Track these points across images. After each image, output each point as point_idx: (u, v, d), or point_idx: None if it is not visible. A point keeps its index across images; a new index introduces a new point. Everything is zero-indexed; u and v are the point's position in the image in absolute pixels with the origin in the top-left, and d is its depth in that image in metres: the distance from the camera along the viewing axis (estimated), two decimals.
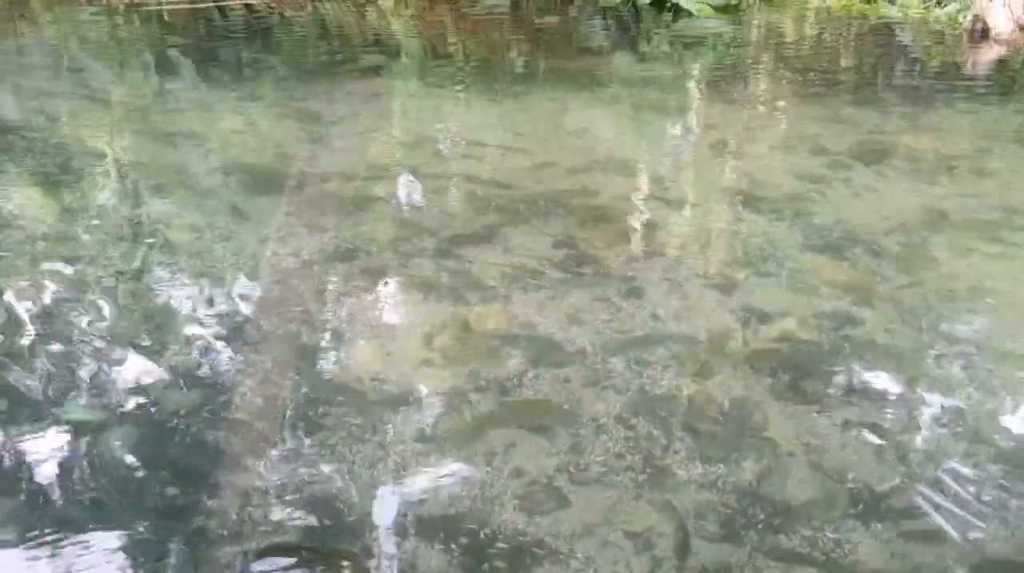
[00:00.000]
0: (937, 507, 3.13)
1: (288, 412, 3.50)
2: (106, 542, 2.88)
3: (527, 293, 4.37)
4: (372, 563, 2.83)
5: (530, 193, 5.50)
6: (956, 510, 3.12)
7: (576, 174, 5.82)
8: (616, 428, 3.47)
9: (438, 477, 3.20)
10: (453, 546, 2.91)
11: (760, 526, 3.02)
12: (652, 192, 5.71)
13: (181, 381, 3.66)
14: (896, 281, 4.60)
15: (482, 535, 2.96)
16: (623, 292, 4.41)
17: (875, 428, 3.50)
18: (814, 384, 3.76)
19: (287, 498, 3.07)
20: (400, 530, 2.96)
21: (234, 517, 2.99)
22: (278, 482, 3.14)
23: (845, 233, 5.09)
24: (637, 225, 5.23)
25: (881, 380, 3.81)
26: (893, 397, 3.71)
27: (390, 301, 4.33)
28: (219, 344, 3.92)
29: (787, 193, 5.63)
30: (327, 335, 4.01)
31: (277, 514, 3.00)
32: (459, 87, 8.09)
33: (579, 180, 5.72)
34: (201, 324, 4.07)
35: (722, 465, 3.30)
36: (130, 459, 3.23)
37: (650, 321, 4.17)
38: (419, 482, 3.18)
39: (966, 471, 3.31)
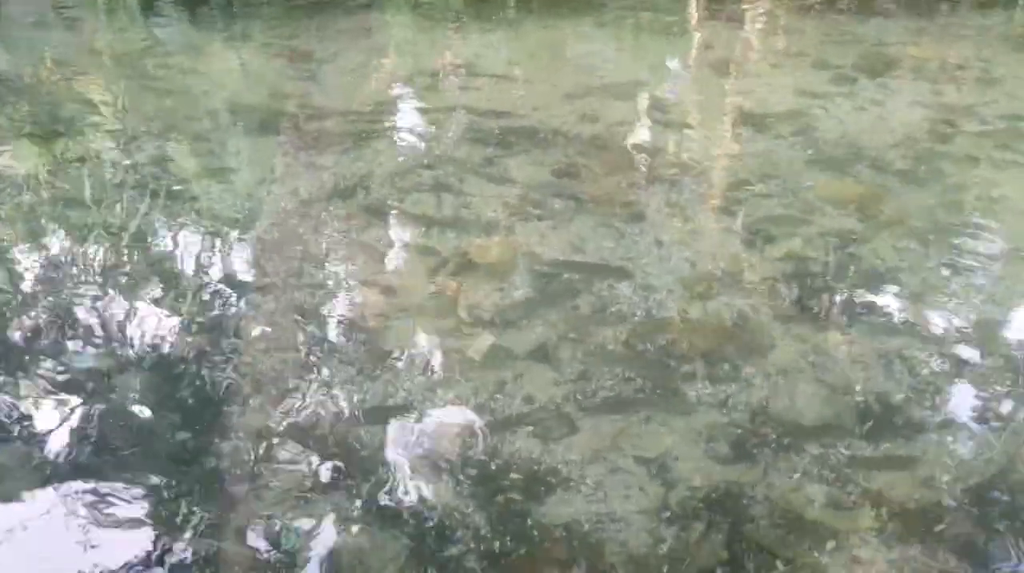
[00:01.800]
0: (947, 422, 3.13)
1: (294, 352, 3.49)
2: (121, 487, 2.90)
3: (529, 223, 4.33)
4: (385, 498, 2.84)
5: (528, 122, 5.42)
6: (966, 424, 3.12)
7: (575, 100, 5.73)
8: (624, 353, 3.46)
9: (448, 410, 3.20)
10: (466, 477, 2.92)
11: (772, 445, 3.03)
12: (652, 116, 5.62)
13: (186, 326, 3.66)
14: (902, 195, 4.55)
15: (494, 465, 2.97)
16: (626, 218, 4.37)
17: (883, 344, 3.49)
18: (821, 302, 3.74)
19: (299, 437, 3.08)
20: (413, 464, 2.98)
21: (246, 458, 3.00)
22: (289, 422, 3.15)
23: (850, 149, 5.01)
24: (638, 150, 5.15)
25: (888, 296, 3.79)
26: (901, 312, 3.69)
27: (391, 237, 4.30)
28: (223, 287, 3.90)
29: (790, 110, 5.54)
30: (329, 274, 3.99)
31: (289, 453, 3.01)
32: (451, 18, 7.93)
33: (578, 107, 5.63)
34: (204, 268, 4.05)
35: (731, 385, 3.29)
36: (140, 405, 3.23)
37: (654, 246, 4.14)
38: (429, 416, 3.18)
39: (975, 384, 3.30)
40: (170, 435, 3.10)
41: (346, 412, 3.19)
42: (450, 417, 3.17)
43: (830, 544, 2.64)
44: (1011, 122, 5.33)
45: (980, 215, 4.37)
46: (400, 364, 3.42)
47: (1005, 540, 2.66)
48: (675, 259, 4.04)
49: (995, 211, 4.40)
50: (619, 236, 4.21)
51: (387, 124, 5.47)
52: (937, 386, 3.27)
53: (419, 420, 3.16)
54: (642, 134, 5.35)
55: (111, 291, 3.91)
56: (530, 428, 3.11)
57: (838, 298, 3.77)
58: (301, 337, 3.57)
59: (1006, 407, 3.19)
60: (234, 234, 4.31)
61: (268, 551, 2.67)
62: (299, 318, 3.69)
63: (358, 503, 2.83)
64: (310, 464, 2.98)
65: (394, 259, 4.12)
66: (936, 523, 2.71)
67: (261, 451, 3.03)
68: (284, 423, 3.14)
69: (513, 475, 2.93)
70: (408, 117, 5.63)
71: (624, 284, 3.87)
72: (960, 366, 3.38)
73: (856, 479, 2.86)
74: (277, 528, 2.74)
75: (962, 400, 3.22)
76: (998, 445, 3.02)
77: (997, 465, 2.93)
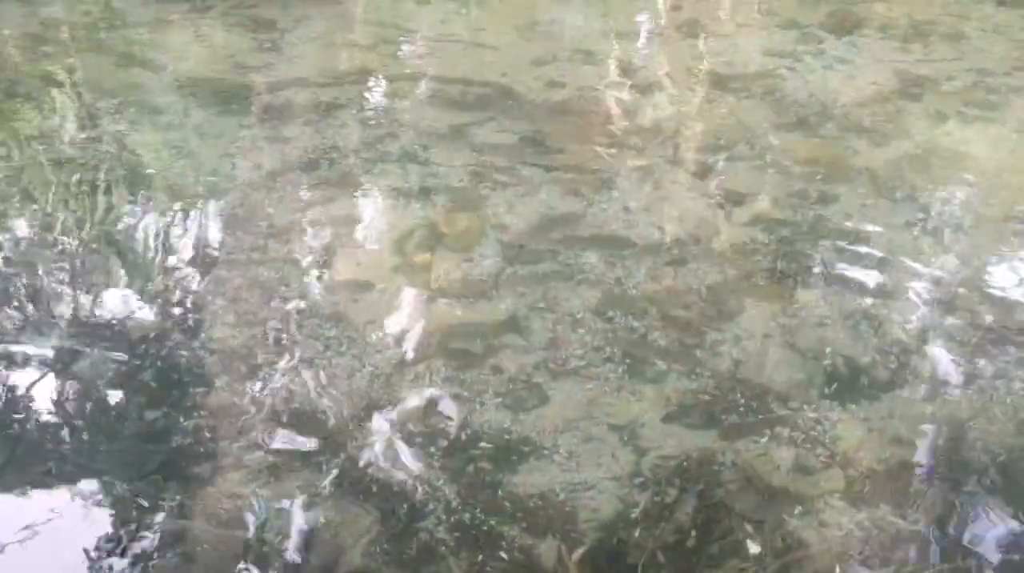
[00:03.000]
0: (914, 379, 3.15)
1: (261, 327, 3.45)
2: (85, 466, 2.86)
3: (497, 192, 4.29)
4: (355, 472, 2.83)
5: (495, 89, 5.35)
6: (933, 381, 3.14)
7: (542, 66, 5.67)
8: (593, 321, 3.45)
9: (416, 383, 3.18)
10: (436, 450, 2.91)
11: (741, 410, 3.04)
12: (620, 80, 5.57)
13: (149, 303, 3.60)
14: (870, 154, 4.54)
15: (464, 437, 2.96)
16: (595, 185, 4.34)
17: (852, 304, 3.50)
18: (789, 264, 3.74)
19: (267, 413, 3.05)
20: (383, 438, 2.96)
21: (212, 435, 2.97)
22: (256, 398, 3.12)
23: (818, 108, 5.00)
24: (606, 115, 5.11)
25: (857, 256, 3.79)
26: (869, 272, 3.69)
27: (358, 209, 4.24)
28: (186, 263, 3.84)
29: (757, 71, 5.51)
30: (295, 248, 3.93)
31: (257, 430, 2.99)
32: None
33: (545, 72, 5.57)
34: (166, 244, 3.99)
35: (700, 352, 3.30)
36: (103, 383, 3.19)
37: (623, 213, 4.11)
38: (398, 389, 3.16)
39: (943, 342, 3.33)
40: (135, 413, 3.06)
41: (314, 387, 3.16)
42: (419, 390, 3.15)
43: (798, 508, 2.66)
44: (979, 78, 5.34)
45: (948, 173, 4.38)
46: (368, 338, 3.39)
47: (974, 499, 2.69)
48: (644, 225, 4.02)
49: (963, 168, 4.41)
50: (588, 203, 4.19)
51: (352, 94, 5.38)
52: (904, 346, 3.29)
53: (388, 393, 3.14)
54: (610, 99, 5.30)
55: (72, 268, 3.84)
56: (500, 399, 3.10)
57: (807, 259, 3.77)
58: (267, 312, 3.53)
59: (973, 366, 3.21)
60: (197, 209, 4.24)
61: (237, 529, 2.65)
62: (265, 293, 3.64)
63: (328, 478, 2.81)
64: (278, 441, 2.96)
65: (361, 231, 4.07)
66: (904, 483, 2.73)
67: (228, 428, 3.00)
68: (251, 400, 3.11)
69: (484, 445, 2.93)
70: (374, 86, 5.54)
71: (593, 252, 3.85)
72: (928, 325, 3.40)
73: (824, 441, 2.88)
74: (246, 506, 2.72)
75: (930, 360, 3.25)
76: (965, 404, 3.04)
77: (964, 424, 2.95)
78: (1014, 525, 2.60)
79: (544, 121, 4.96)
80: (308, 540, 2.62)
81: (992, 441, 2.88)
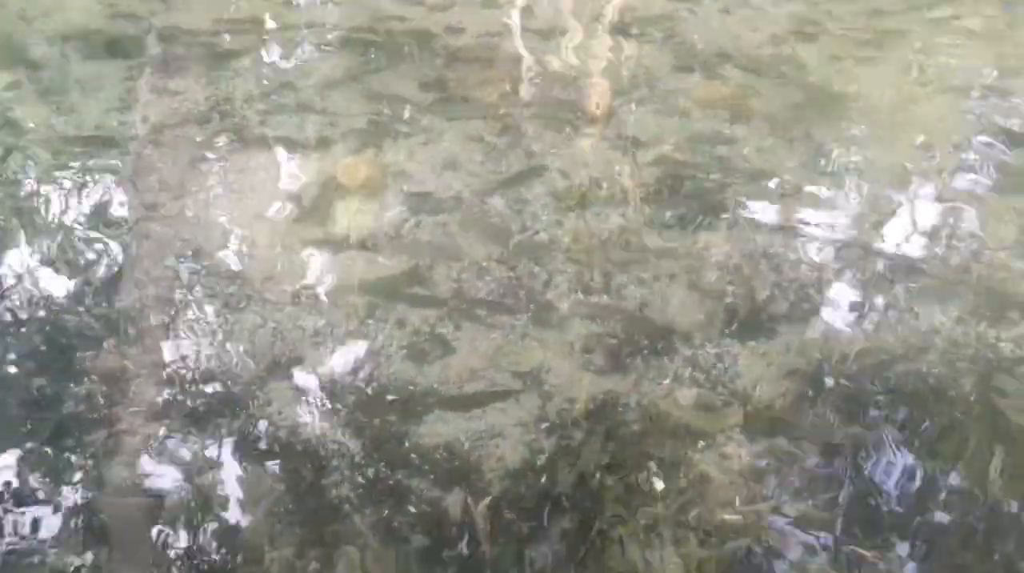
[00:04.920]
0: (812, 315, 3.22)
1: (153, 289, 3.31)
2: None
3: (398, 141, 4.20)
4: (256, 432, 2.76)
5: (392, 35, 5.22)
6: (830, 317, 3.21)
7: (440, 11, 5.54)
8: (498, 269, 3.42)
9: (318, 338, 3.11)
10: (340, 405, 2.85)
11: (645, 352, 3.06)
12: (520, 24, 5.49)
13: (33, 268, 3.42)
14: (768, 96, 4.59)
15: (370, 391, 2.91)
16: (497, 131, 4.28)
17: (752, 245, 3.54)
18: (691, 206, 3.77)
19: (164, 376, 2.95)
20: (285, 396, 2.89)
21: (106, 401, 2.85)
22: (152, 361, 3.00)
23: (717, 51, 5.02)
24: (506, 60, 5.03)
25: (757, 196, 3.84)
26: (769, 212, 3.74)
27: (253, 163, 4.09)
28: (71, 225, 3.65)
29: (658, 14, 5.49)
30: (187, 205, 3.77)
31: (154, 393, 2.89)
32: None
33: (443, 18, 5.45)
34: (48, 204, 3.79)
35: (605, 296, 3.30)
36: None
37: (525, 158, 4.07)
38: (300, 346, 3.08)
39: (839, 278, 3.40)
40: (24, 381, 2.91)
41: (213, 348, 3.07)
42: (322, 345, 3.09)
43: (700, 443, 2.71)
44: (872, 20, 5.43)
45: (843, 112, 4.46)
46: (268, 294, 3.29)
47: (869, 429, 2.77)
48: (547, 170, 3.99)
49: (857, 109, 4.49)
50: (490, 150, 4.13)
51: (245, 43, 5.17)
52: (802, 282, 3.35)
53: (290, 351, 3.06)
54: (510, 44, 5.22)
55: None
56: (405, 351, 3.06)
57: (709, 201, 3.80)
58: (158, 273, 3.39)
59: (867, 299, 3.30)
60: (81, 168, 4.03)
61: (135, 496, 2.57)
62: (157, 252, 3.50)
63: (229, 439, 2.74)
64: (176, 403, 2.86)
65: (256, 186, 3.94)
66: (801, 416, 2.80)
67: (123, 393, 2.89)
68: (146, 363, 3.00)
69: (390, 397, 2.89)
70: (267, 34, 5.33)
71: (497, 198, 3.80)
72: (824, 262, 3.47)
73: (724, 380, 2.93)
74: (142, 471, 2.63)
75: (827, 295, 3.31)
76: (861, 336, 3.12)
77: (861, 356, 3.03)
78: (907, 451, 2.69)
79: (445, 68, 4.87)
80: (207, 502, 2.56)
81: (884, 371, 2.96)
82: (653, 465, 2.64)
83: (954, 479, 2.62)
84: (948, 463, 2.66)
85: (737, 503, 2.53)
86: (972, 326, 3.15)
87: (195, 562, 2.41)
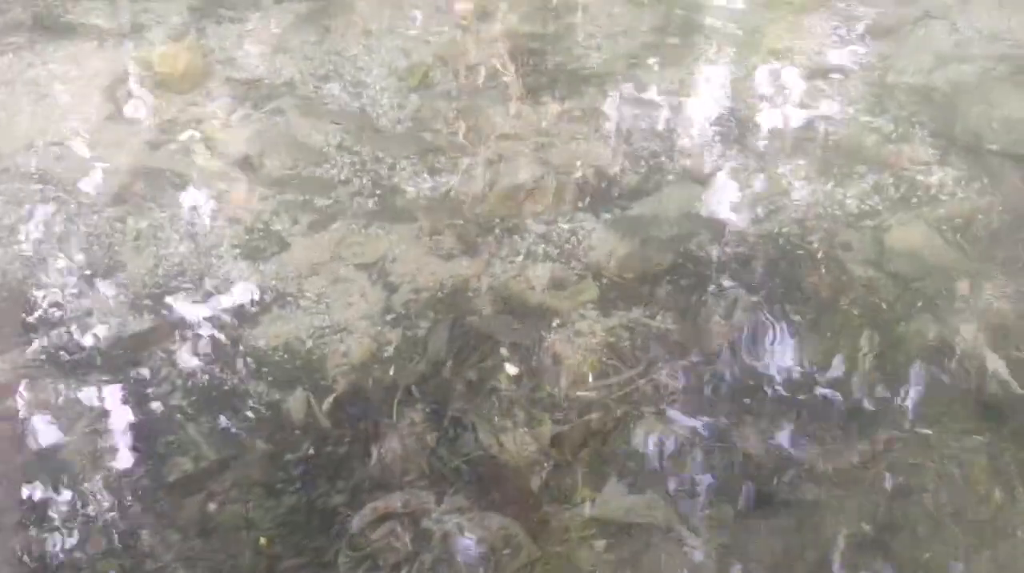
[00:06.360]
0: (662, 185, 3.11)
1: None
2: None
3: (221, 25, 3.84)
4: (76, 342, 2.52)
5: None
6: (681, 184, 3.12)
7: None
8: (338, 155, 3.19)
9: (142, 239, 2.85)
10: (169, 312, 2.63)
11: (496, 231, 2.92)
12: None
13: None
14: None
15: (200, 296, 2.69)
16: (331, 12, 3.95)
17: (599, 117, 3.40)
18: (539, 78, 3.59)
19: None
20: (103, 305, 2.64)
21: None
22: None
23: None
24: None
25: (603, 65, 3.67)
26: (617, 80, 3.58)
27: (58, 54, 3.67)
28: None
29: None
30: None
31: None
32: None
33: None
34: None
35: (452, 177, 3.13)
36: None
37: (363, 37, 3.79)
38: (120, 250, 2.81)
39: (690, 141, 3.30)
40: None
41: (19, 256, 2.77)
42: (146, 245, 2.83)
43: (555, 321, 2.61)
44: None
45: None
46: (81, 195, 2.99)
47: (719, 295, 2.71)
48: (387, 50, 3.72)
49: None
50: (325, 30, 3.82)
51: None
52: (652, 151, 3.24)
53: (108, 256, 2.79)
54: None
55: None
56: (238, 250, 2.83)
57: (557, 72, 3.63)
58: None
59: (712, 163, 3.20)
60: None
61: None
62: None
63: (45, 352, 2.49)
64: None
65: (63, 79, 3.54)
66: (654, 287, 2.73)
67: None
68: None
69: (224, 303, 2.68)
70: None
71: (334, 82, 3.54)
72: (673, 127, 3.37)
73: (577, 254, 2.82)
74: None
75: (678, 161, 3.21)
76: (711, 201, 3.06)
77: (709, 222, 2.97)
78: (758, 311, 2.66)
79: None
80: (29, 426, 2.33)
81: (734, 237, 2.90)
82: (504, 350, 2.53)
83: (802, 331, 2.60)
84: (800, 322, 2.63)
85: (590, 379, 2.45)
86: (819, 184, 3.11)
87: (14, 484, 2.21)
